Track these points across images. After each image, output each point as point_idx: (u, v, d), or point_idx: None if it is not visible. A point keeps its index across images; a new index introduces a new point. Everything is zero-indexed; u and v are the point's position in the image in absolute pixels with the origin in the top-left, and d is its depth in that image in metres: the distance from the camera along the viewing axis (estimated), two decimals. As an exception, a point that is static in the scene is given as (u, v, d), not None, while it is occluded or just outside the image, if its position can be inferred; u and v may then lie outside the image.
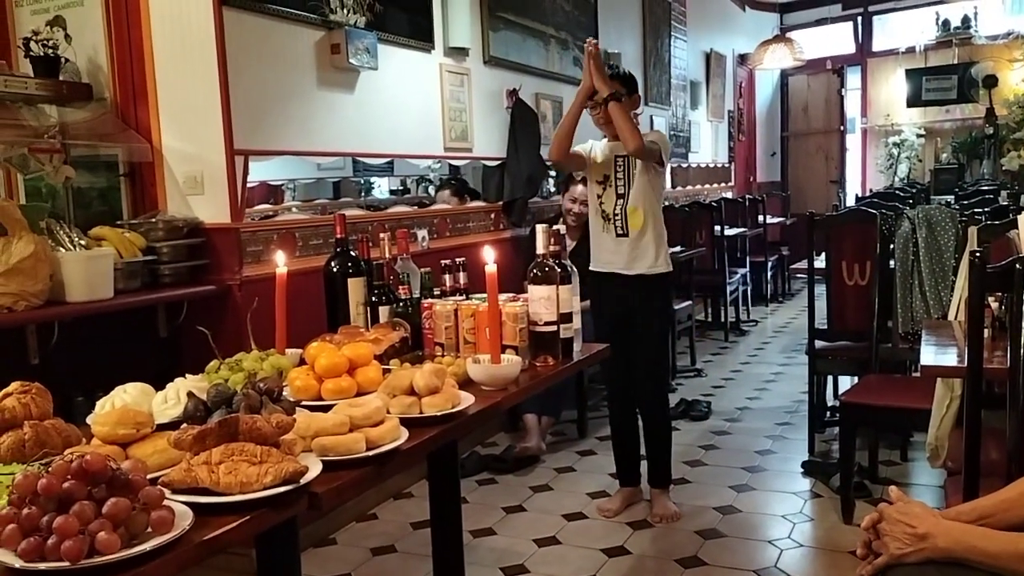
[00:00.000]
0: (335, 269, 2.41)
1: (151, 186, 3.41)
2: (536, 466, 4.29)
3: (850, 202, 9.20)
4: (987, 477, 2.06)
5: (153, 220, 3.25)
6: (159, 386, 1.76)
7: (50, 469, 1.17)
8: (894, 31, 11.14)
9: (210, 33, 3.20)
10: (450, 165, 5.25)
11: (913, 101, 10.81)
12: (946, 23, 10.47)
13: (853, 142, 11.74)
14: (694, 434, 4.72)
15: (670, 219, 6.71)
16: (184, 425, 1.47)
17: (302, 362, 1.94)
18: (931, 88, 10.64)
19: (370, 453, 1.52)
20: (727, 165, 10.43)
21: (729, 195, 9.72)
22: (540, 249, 2.25)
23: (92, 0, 3.36)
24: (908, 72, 10.81)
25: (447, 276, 2.42)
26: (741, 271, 7.90)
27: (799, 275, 9.05)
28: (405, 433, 1.61)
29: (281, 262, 2.09)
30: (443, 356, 2.19)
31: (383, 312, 2.35)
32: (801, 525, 3.46)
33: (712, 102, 9.70)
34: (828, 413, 4.64)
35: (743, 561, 3.17)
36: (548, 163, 5.46)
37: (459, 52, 4.74)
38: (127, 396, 1.68)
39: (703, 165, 9.56)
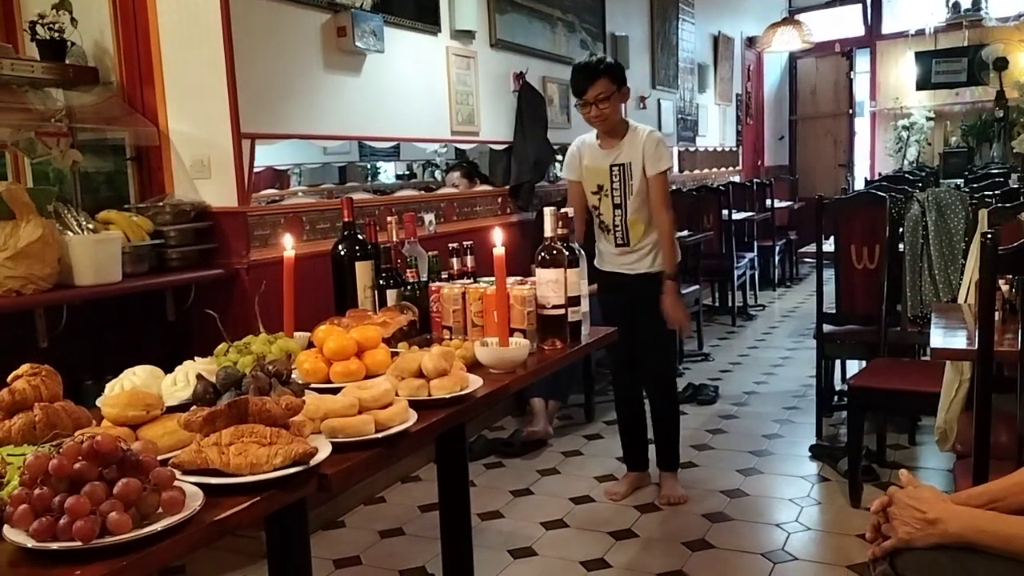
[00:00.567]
0: (343, 253, 2.40)
1: (158, 170, 3.41)
2: (543, 450, 4.30)
3: (859, 186, 9.15)
4: (997, 460, 2.06)
5: (160, 204, 3.25)
6: (168, 369, 1.76)
7: (61, 450, 1.17)
8: (903, 13, 11.04)
9: (216, 16, 3.19)
10: (456, 149, 5.24)
11: (922, 84, 10.75)
12: (956, 5, 10.38)
13: (862, 125, 11.67)
14: (702, 418, 4.72)
15: (678, 203, 6.69)
16: (194, 407, 1.47)
17: (310, 345, 1.94)
18: (941, 71, 10.57)
19: (379, 435, 1.52)
20: (735, 149, 10.39)
21: (737, 179, 9.69)
22: (548, 232, 2.25)
23: (98, -17, 3.35)
24: (918, 55, 10.74)
25: (455, 259, 2.41)
26: (749, 255, 7.87)
27: (807, 259, 9.05)
28: (414, 415, 1.61)
29: (289, 245, 2.09)
30: (451, 339, 2.19)
31: (391, 295, 2.35)
32: (809, 509, 3.47)
33: (720, 85, 9.66)
34: (836, 397, 4.63)
35: (750, 544, 3.18)
36: (554, 147, 5.46)
37: (466, 35, 4.72)
38: (136, 378, 1.69)
39: (711, 149, 9.52)
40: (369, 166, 6.35)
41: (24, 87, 3.15)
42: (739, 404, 4.97)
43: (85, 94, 3.32)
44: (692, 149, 8.93)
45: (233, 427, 1.35)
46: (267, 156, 4.58)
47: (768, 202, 8.84)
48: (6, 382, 1.49)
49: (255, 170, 3.46)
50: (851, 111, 11.55)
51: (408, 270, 2.38)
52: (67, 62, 3.24)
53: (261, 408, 1.38)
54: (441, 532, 2.50)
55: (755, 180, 9.23)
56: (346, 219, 2.44)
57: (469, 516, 2.49)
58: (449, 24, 4.58)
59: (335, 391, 1.64)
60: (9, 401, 1.45)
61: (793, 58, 11.75)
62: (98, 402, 1.56)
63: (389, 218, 2.68)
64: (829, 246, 4.21)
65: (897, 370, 3.59)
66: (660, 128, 7.76)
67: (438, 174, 5.95)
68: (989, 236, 2.05)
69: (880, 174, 9.54)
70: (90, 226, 2.93)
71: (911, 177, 6.76)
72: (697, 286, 6.29)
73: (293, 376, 1.69)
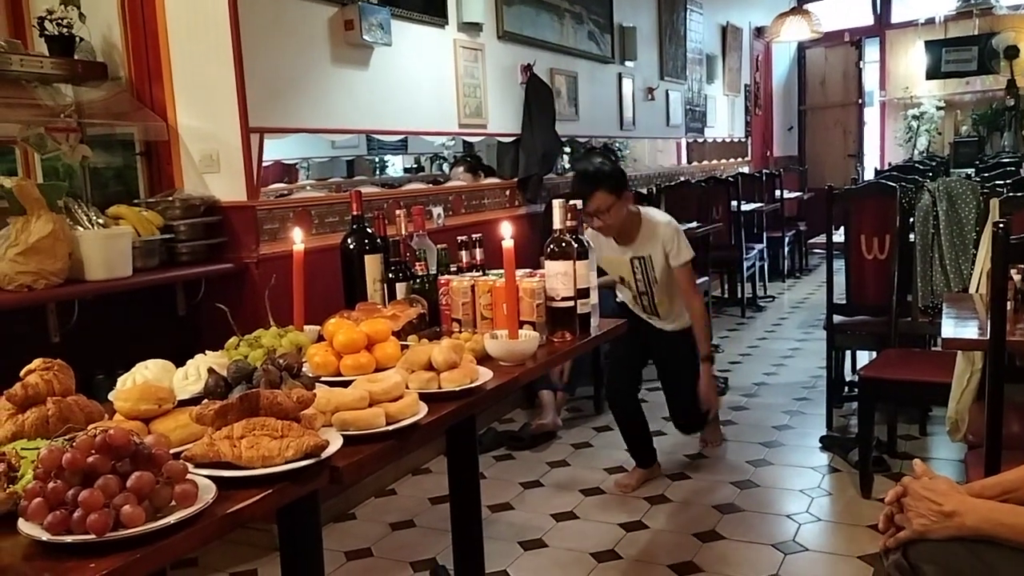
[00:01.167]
0: (352, 246, 2.41)
1: (167, 165, 3.41)
2: (553, 442, 4.30)
3: (869, 176, 9.11)
4: (1008, 450, 2.05)
5: (170, 198, 3.26)
6: (179, 363, 1.77)
7: (74, 444, 1.18)
8: (913, 2, 10.96)
9: (224, 10, 3.19)
10: (464, 142, 5.24)
11: (932, 73, 10.68)
12: (966, -7, 10.33)
13: (871, 115, 11.62)
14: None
15: (687, 195, 6.75)
16: (205, 401, 1.48)
17: (320, 338, 1.95)
18: (951, 60, 10.51)
19: (390, 427, 1.52)
20: (743, 139, 10.35)
21: (746, 170, 9.66)
22: (557, 224, 2.24)
23: (105, -22, 3.35)
24: (927, 44, 10.68)
25: (464, 252, 2.41)
26: (758, 246, 7.85)
27: (816, 250, 9.03)
28: (424, 408, 1.61)
29: (298, 239, 2.09)
30: (460, 332, 2.20)
31: (400, 289, 2.35)
32: (819, 499, 3.46)
33: (728, 76, 9.62)
34: (846, 388, 4.62)
35: (761, 535, 3.18)
36: (563, 140, 5.45)
37: (473, 27, 4.72)
38: (148, 372, 1.69)
39: (719, 140, 9.50)
40: (377, 160, 6.36)
41: (33, 83, 3.16)
42: (749, 395, 4.97)
43: (94, 90, 3.32)
44: (701, 140, 8.90)
45: (245, 420, 1.35)
46: (276, 150, 4.59)
47: (777, 193, 8.82)
48: (19, 377, 1.50)
49: (263, 164, 3.47)
50: (860, 101, 11.50)
51: (417, 263, 2.38)
52: (76, 58, 3.24)
53: (272, 401, 1.39)
54: (452, 524, 2.51)
55: (764, 171, 9.20)
56: (355, 213, 2.44)
57: (479, 508, 2.50)
58: (456, 16, 4.57)
59: (346, 384, 1.64)
60: (22, 396, 1.45)
61: (802, 48, 11.69)
62: (110, 396, 1.57)
63: (398, 211, 2.67)
64: (839, 236, 4.19)
65: (908, 360, 3.58)
66: (668, 120, 7.75)
67: (446, 167, 5.96)
68: (1001, 225, 2.04)
69: (890, 164, 9.50)
70: (100, 221, 2.94)
71: (921, 167, 6.74)
72: (706, 278, 6.26)
73: (304, 369, 1.70)
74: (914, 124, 10.80)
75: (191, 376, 1.69)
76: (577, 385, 4.65)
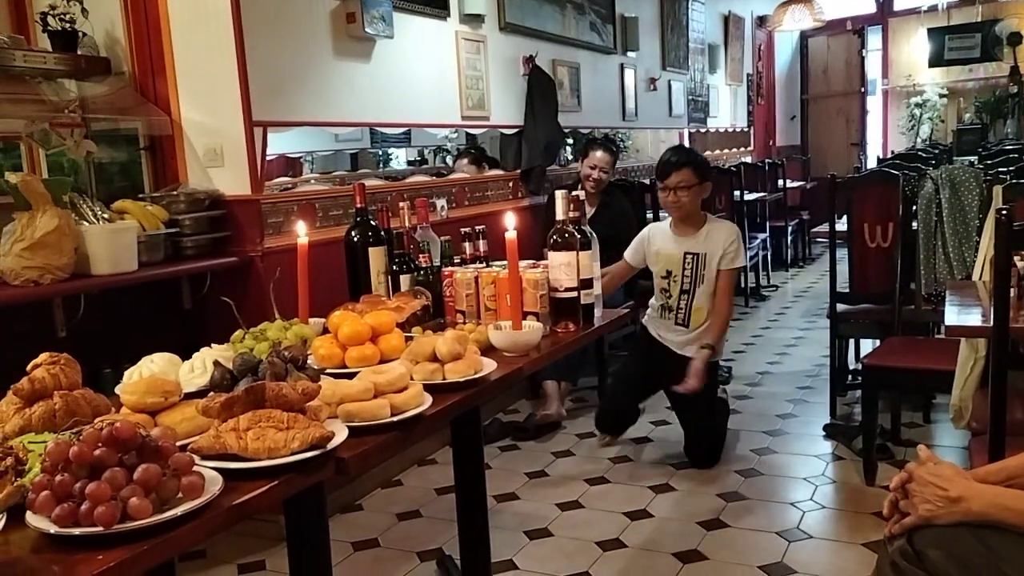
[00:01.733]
0: (356, 239, 2.42)
1: (171, 159, 3.42)
2: (557, 432, 4.31)
3: (871, 164, 9.09)
4: (1012, 437, 2.06)
5: (174, 193, 3.26)
6: (185, 356, 1.78)
7: (81, 437, 1.19)
8: (916, -11, 10.94)
9: (226, 4, 3.19)
10: (467, 134, 5.23)
11: (935, 61, 10.64)
12: (969, -20, 10.29)
13: (874, 104, 11.58)
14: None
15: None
16: (211, 393, 1.49)
17: (325, 331, 1.96)
18: (954, 47, 10.47)
19: (395, 418, 1.53)
20: (746, 129, 10.33)
21: (748, 159, 9.63)
22: (560, 215, 2.25)
23: (107, -27, 3.36)
24: (930, 31, 10.63)
25: (467, 244, 2.42)
26: (761, 236, 7.85)
27: (820, 239, 9.02)
28: (429, 399, 1.62)
29: (302, 232, 2.10)
30: (464, 323, 2.21)
31: (404, 280, 2.36)
32: (823, 487, 3.47)
33: (731, 65, 9.60)
34: (850, 376, 4.62)
35: (765, 523, 3.19)
36: (565, 131, 5.45)
37: (475, 19, 4.71)
38: (154, 366, 1.70)
39: (722, 129, 9.48)
40: (380, 152, 6.37)
41: (37, 79, 3.16)
42: (753, 384, 4.97)
43: (98, 84, 3.33)
44: (703, 130, 8.88)
45: (250, 412, 1.36)
46: (279, 144, 4.60)
47: (780, 182, 8.80)
48: (26, 371, 1.51)
49: (267, 158, 3.47)
50: (863, 89, 11.46)
51: (421, 255, 2.39)
52: (79, 53, 3.25)
53: (278, 393, 1.39)
54: (457, 514, 2.52)
55: (767, 160, 9.18)
56: (358, 205, 2.45)
57: (485, 498, 2.51)
58: (458, 8, 4.57)
59: (350, 376, 1.65)
60: (29, 390, 1.46)
61: (804, 37, 11.65)
62: (117, 390, 1.58)
63: (401, 204, 2.68)
64: (842, 225, 4.19)
65: (911, 348, 3.58)
66: (671, 110, 7.74)
67: (449, 159, 5.96)
68: (1004, 212, 2.04)
69: (893, 152, 9.47)
70: (105, 216, 2.95)
71: (924, 155, 6.72)
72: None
73: (309, 361, 1.71)
74: (917, 112, 10.77)
75: (197, 369, 1.71)
76: (581, 375, 4.65)
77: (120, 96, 3.33)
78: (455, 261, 2.42)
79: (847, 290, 4.13)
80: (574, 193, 2.34)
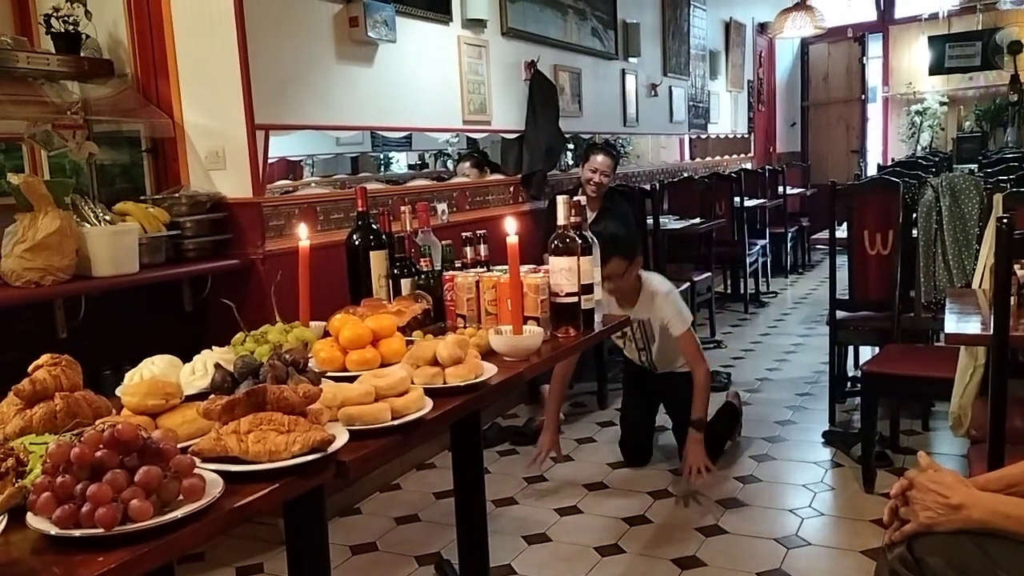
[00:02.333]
0: (357, 242, 2.42)
1: (173, 161, 3.43)
2: (557, 437, 4.30)
3: (872, 172, 9.11)
4: (1011, 445, 2.06)
5: (176, 195, 3.27)
6: (185, 359, 1.78)
7: (82, 439, 1.18)
8: (917, -3, 10.97)
9: (230, 7, 3.20)
10: (468, 138, 5.24)
11: (936, 69, 10.66)
12: (970, -12, 10.30)
13: (874, 111, 11.60)
14: (714, 405, 4.69)
15: (690, 191, 6.75)
16: (212, 396, 1.49)
17: (326, 334, 1.96)
18: (954, 55, 10.49)
19: (396, 422, 1.53)
20: (746, 136, 10.34)
21: (749, 166, 9.66)
22: (561, 220, 2.25)
23: (111, -25, 3.36)
24: (931, 39, 10.65)
25: (468, 248, 2.42)
26: (761, 242, 7.85)
27: (819, 246, 9.01)
28: (430, 403, 1.62)
29: (304, 235, 2.10)
30: (465, 327, 2.20)
31: (405, 284, 2.36)
32: (822, 494, 3.47)
33: (731, 72, 9.61)
34: (849, 383, 4.62)
35: (764, 530, 3.19)
36: (566, 136, 5.46)
37: (477, 24, 4.72)
38: (155, 368, 1.70)
39: (722, 136, 9.49)
40: (382, 156, 6.37)
41: (40, 80, 3.17)
42: (752, 391, 4.97)
43: (100, 86, 3.34)
44: (704, 136, 8.90)
45: (251, 415, 1.36)
46: (281, 147, 4.60)
47: (780, 189, 8.81)
48: (27, 372, 1.51)
49: (269, 161, 3.48)
50: (863, 97, 11.47)
51: (422, 259, 2.39)
52: (82, 55, 3.26)
53: (279, 396, 1.39)
54: (456, 518, 2.52)
55: (767, 167, 9.19)
56: (360, 209, 2.45)
57: (484, 502, 2.51)
58: (460, 13, 4.58)
59: (351, 379, 1.65)
60: (30, 391, 1.46)
61: (805, 44, 11.67)
62: (118, 391, 1.58)
63: (403, 208, 2.68)
64: (842, 232, 4.20)
65: (910, 356, 3.58)
66: (671, 116, 7.76)
67: (450, 164, 5.96)
68: (1004, 221, 2.04)
69: (893, 160, 9.48)
70: (107, 217, 2.95)
71: (924, 162, 6.73)
72: (709, 273, 6.28)
73: (310, 365, 1.71)
74: (917, 120, 10.78)
75: (198, 371, 1.70)
76: (574, 380, 4.65)
77: (122, 98, 3.34)
78: (456, 265, 2.42)
79: (847, 297, 4.13)
80: (576, 198, 2.34)
